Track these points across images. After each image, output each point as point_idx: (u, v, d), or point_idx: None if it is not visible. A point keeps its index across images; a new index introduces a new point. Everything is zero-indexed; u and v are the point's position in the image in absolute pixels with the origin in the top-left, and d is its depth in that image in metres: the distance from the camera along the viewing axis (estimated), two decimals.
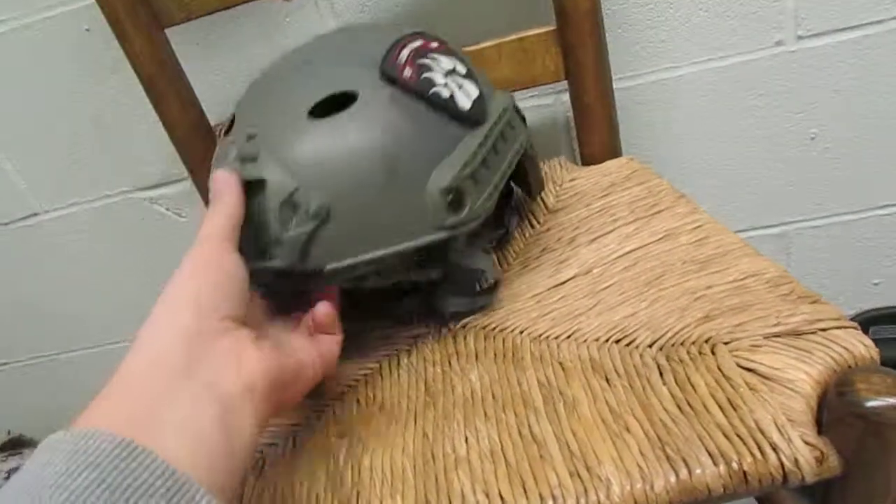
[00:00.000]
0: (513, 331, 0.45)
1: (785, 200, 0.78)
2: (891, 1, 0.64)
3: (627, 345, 0.41)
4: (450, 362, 0.44)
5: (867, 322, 0.89)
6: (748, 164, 0.76)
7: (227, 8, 0.58)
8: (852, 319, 0.92)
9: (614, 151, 0.63)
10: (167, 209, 0.83)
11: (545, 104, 0.72)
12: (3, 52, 0.72)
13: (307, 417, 0.44)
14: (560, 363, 0.41)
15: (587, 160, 0.63)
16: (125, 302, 0.92)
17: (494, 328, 0.46)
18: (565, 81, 0.60)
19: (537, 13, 0.59)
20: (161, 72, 0.58)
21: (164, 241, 0.86)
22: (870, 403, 0.32)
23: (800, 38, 0.67)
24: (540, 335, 0.44)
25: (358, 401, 0.43)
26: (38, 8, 0.69)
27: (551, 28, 0.58)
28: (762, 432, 0.32)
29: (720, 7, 0.65)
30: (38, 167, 0.81)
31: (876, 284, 0.86)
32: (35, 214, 0.86)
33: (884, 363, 0.98)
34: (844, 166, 0.75)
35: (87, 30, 0.70)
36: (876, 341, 0.97)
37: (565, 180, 0.60)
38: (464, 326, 0.47)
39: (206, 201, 0.65)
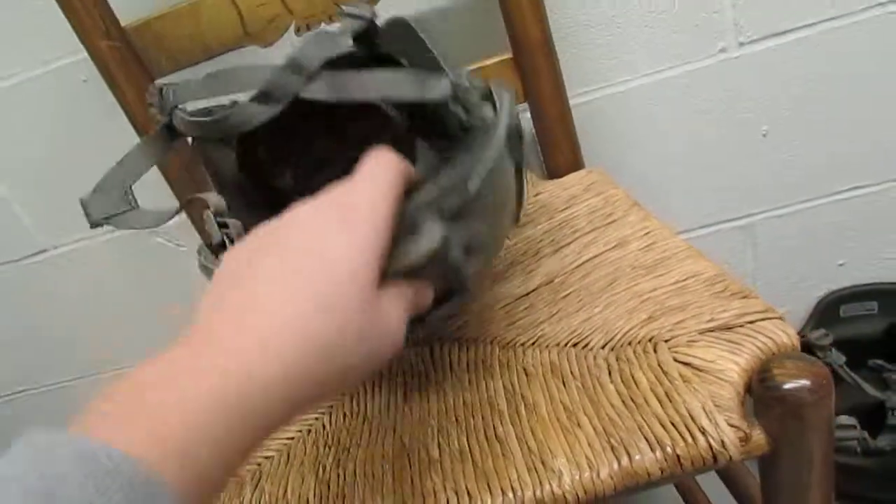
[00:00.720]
0: (484, 341, 0.50)
1: (746, 194, 0.83)
2: (819, 6, 0.69)
3: (583, 348, 0.46)
4: (426, 374, 0.49)
5: (837, 301, 0.94)
6: (707, 164, 0.80)
7: (212, 58, 0.63)
8: (822, 300, 0.97)
9: (577, 164, 0.68)
10: (168, 241, 0.88)
11: None
12: (10, 102, 0.78)
13: (299, 431, 0.49)
14: (524, 369, 0.46)
15: (552, 173, 0.68)
16: (133, 330, 0.98)
17: (467, 339, 0.51)
18: (525, 104, 0.65)
19: (494, 43, 0.64)
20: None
21: (165, 271, 0.91)
22: (786, 386, 0.37)
23: (741, 44, 0.72)
24: (507, 343, 0.49)
25: (344, 414, 0.48)
26: (40, 62, 0.75)
27: (508, 56, 0.63)
28: (693, 419, 0.37)
29: (664, 22, 0.70)
30: (45, 207, 0.87)
31: (841, 265, 0.91)
32: (44, 251, 0.91)
33: (854, 339, 1.03)
34: (798, 157, 0.80)
35: (85, 80, 0.75)
36: (848, 319, 1.01)
37: (531, 195, 0.65)
38: (440, 339, 0.52)
39: (200, 230, 0.70)
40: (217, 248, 0.39)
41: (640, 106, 0.76)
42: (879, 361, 0.92)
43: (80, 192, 0.83)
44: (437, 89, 0.36)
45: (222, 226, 0.39)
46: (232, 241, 0.39)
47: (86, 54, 0.72)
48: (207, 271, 0.40)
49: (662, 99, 0.75)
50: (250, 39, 0.62)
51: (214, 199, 0.40)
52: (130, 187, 0.42)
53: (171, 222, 0.85)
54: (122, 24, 0.61)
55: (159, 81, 0.45)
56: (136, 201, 0.41)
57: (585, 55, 0.72)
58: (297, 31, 0.62)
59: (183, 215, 0.81)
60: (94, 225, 0.41)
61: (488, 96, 0.41)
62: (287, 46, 0.72)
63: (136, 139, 0.65)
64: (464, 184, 0.34)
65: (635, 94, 0.75)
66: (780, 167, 0.81)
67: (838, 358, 0.87)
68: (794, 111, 0.76)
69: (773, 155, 0.80)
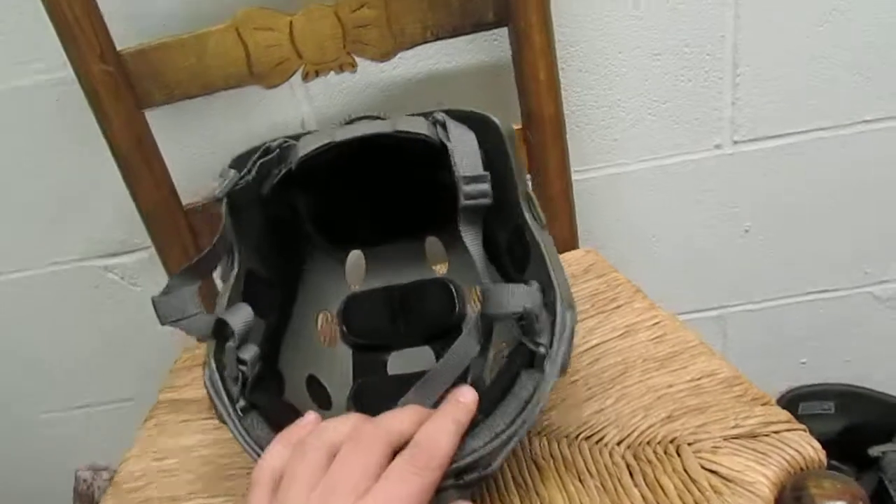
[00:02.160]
0: None
1: (722, 286, 0.84)
2: (811, 115, 0.72)
3: (597, 442, 0.43)
4: None
5: (797, 399, 0.95)
6: (690, 253, 0.81)
7: (209, 93, 0.59)
8: (783, 396, 0.98)
9: (573, 240, 0.67)
10: (122, 278, 0.82)
11: None
12: None
13: None
14: (534, 460, 0.43)
15: None
16: (70, 369, 0.89)
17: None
18: (528, 175, 0.64)
19: (507, 112, 0.63)
20: (137, 150, 0.59)
21: (115, 310, 0.84)
22: None
23: (735, 142, 0.74)
24: None
25: None
26: (7, 77, 0.69)
27: (517, 127, 0.62)
28: None
29: (666, 113, 0.72)
30: None
31: (803, 363, 0.92)
32: None
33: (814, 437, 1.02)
34: (775, 257, 0.82)
35: (58, 100, 0.70)
36: (805, 416, 1.03)
37: None
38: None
39: (172, 275, 0.65)
40: (230, 383, 0.38)
41: (634, 190, 0.76)
42: (834, 462, 0.93)
43: (33, 219, 0.77)
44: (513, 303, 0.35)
45: (241, 361, 0.37)
46: (246, 381, 0.37)
47: (62, 73, 0.68)
48: (216, 408, 0.38)
49: (656, 185, 0.76)
50: (254, 80, 0.59)
51: (239, 320, 0.38)
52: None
53: (129, 259, 0.80)
54: (118, 48, 0.56)
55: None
56: (199, 304, 0.40)
57: (586, 135, 0.73)
58: (305, 76, 0.60)
59: (146, 254, 0.76)
60: (164, 324, 0.40)
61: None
62: (289, 90, 0.70)
63: (107, 166, 0.60)
64: (487, 463, 0.34)
65: (630, 177, 0.75)
66: (757, 264, 0.82)
67: None
68: (777, 212, 0.79)
69: (752, 251, 0.81)
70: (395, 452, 0.32)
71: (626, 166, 0.75)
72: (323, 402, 0.49)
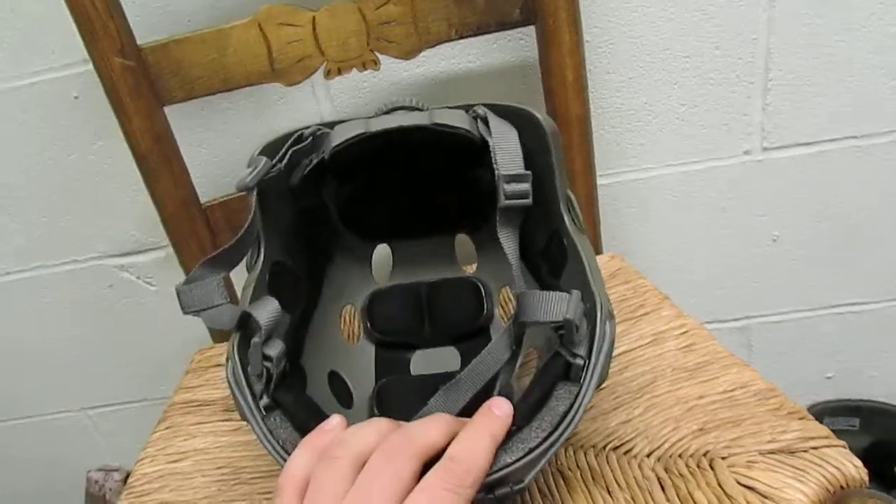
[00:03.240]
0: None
1: (747, 296, 0.82)
2: (843, 123, 0.70)
3: (625, 453, 0.41)
4: None
5: (822, 413, 0.92)
6: (715, 261, 0.79)
7: (230, 90, 0.58)
8: (808, 410, 0.96)
9: (596, 245, 0.66)
10: (137, 277, 0.81)
11: None
12: None
13: None
14: (559, 471, 0.41)
15: None
16: (82, 370, 0.88)
17: None
18: None
19: None
20: (156, 148, 0.58)
21: (130, 309, 0.83)
22: None
23: (765, 149, 0.72)
24: None
25: None
26: (27, 73, 0.68)
27: None
28: None
29: (694, 117, 0.70)
30: (4, 228, 0.79)
31: (829, 378, 0.90)
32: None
33: None
34: (803, 267, 0.80)
35: (76, 97, 0.69)
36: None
37: None
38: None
39: (188, 273, 0.64)
40: (254, 380, 0.36)
41: (660, 195, 0.74)
42: None
43: (49, 216, 0.77)
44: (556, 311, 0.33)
45: (266, 358, 0.36)
46: (270, 378, 0.36)
47: (81, 69, 0.67)
48: (238, 405, 0.36)
49: (683, 191, 0.74)
50: (275, 76, 0.58)
51: (266, 314, 0.36)
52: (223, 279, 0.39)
53: (145, 258, 0.79)
54: (139, 42, 0.56)
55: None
56: (226, 294, 0.38)
57: (614, 138, 0.71)
58: (328, 73, 0.59)
59: (163, 253, 0.75)
60: (186, 313, 0.38)
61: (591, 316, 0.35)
62: (310, 89, 0.69)
63: (124, 163, 0.59)
64: (518, 478, 0.33)
65: (657, 182, 0.73)
66: (784, 274, 0.80)
67: None
68: (806, 221, 0.76)
69: (780, 261, 0.79)
70: (426, 465, 0.31)
71: (652, 171, 0.73)
72: (344, 400, 0.48)
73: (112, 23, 0.54)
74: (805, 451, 0.38)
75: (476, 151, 0.40)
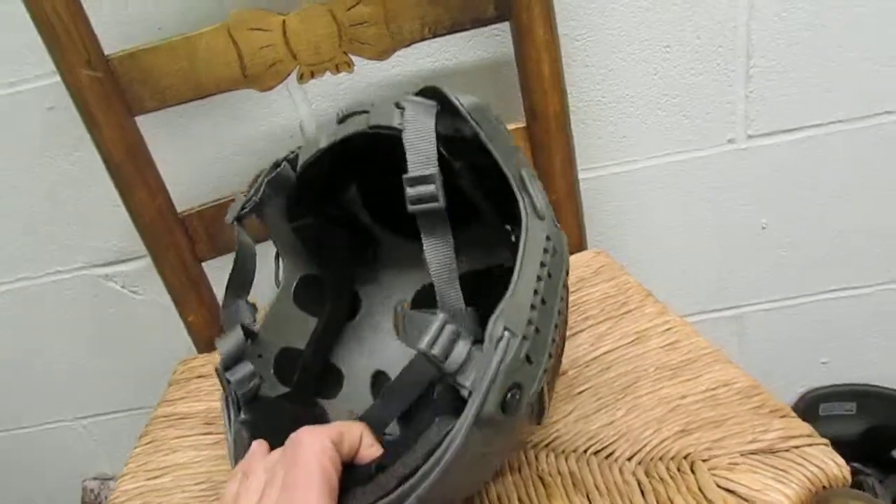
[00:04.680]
0: None
1: (738, 285, 0.82)
2: (828, 108, 0.69)
3: (607, 457, 0.41)
4: None
5: (817, 400, 0.92)
6: (704, 252, 0.79)
7: (202, 98, 0.58)
8: (803, 397, 0.96)
9: (580, 241, 0.65)
10: (122, 286, 0.81)
11: None
12: None
13: None
14: (540, 476, 0.41)
15: None
16: (74, 379, 0.88)
17: None
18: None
19: (510, 109, 0.61)
20: (129, 159, 0.57)
21: (117, 318, 0.83)
22: None
23: (750, 136, 0.71)
24: None
25: None
26: (3, 83, 0.68)
27: (521, 125, 0.60)
28: None
29: (677, 108, 0.69)
30: None
31: (824, 363, 0.89)
32: None
33: (832, 440, 1.01)
34: (793, 254, 0.79)
35: (51, 108, 0.69)
36: (826, 418, 1.00)
37: None
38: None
39: (169, 286, 0.63)
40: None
41: (645, 187, 0.73)
42: (857, 465, 0.90)
43: (31, 227, 0.76)
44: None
45: (228, 381, 0.39)
46: (238, 400, 0.39)
47: (55, 79, 0.66)
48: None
49: (667, 183, 0.73)
50: (248, 82, 0.57)
51: (226, 347, 0.40)
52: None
53: (129, 267, 0.79)
54: (107, 52, 0.55)
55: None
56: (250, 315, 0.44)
57: (594, 132, 0.70)
58: (301, 77, 0.58)
59: (146, 261, 0.74)
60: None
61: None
62: (287, 93, 0.68)
63: (104, 173, 0.58)
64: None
65: (641, 175, 0.73)
66: (774, 261, 0.80)
67: None
68: (794, 208, 0.76)
69: (770, 249, 0.79)
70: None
71: (636, 164, 0.72)
72: None
73: (78, 34, 0.53)
74: (787, 451, 0.38)
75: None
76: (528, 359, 0.31)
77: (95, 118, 0.55)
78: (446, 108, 0.36)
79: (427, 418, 0.31)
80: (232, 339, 0.40)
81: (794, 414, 0.41)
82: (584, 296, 0.56)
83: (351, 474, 0.32)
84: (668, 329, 0.50)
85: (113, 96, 0.55)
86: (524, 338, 0.31)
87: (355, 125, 0.40)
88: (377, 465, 0.31)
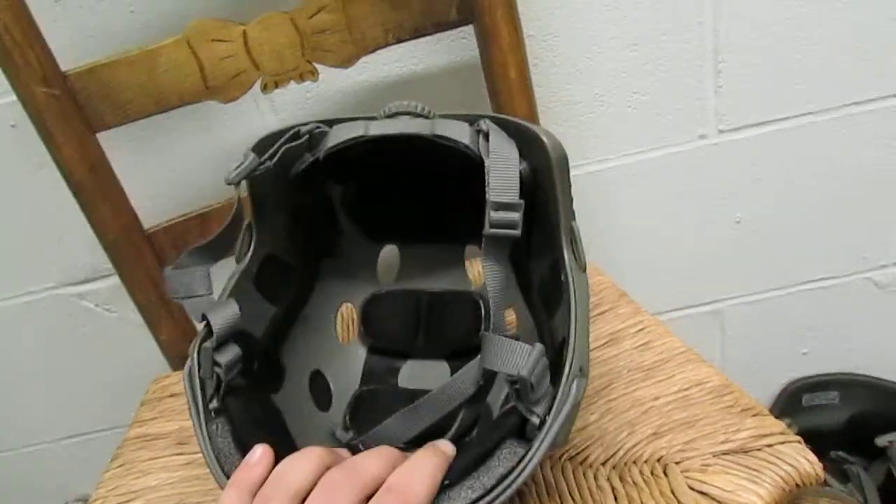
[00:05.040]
0: None
1: (717, 280, 0.82)
2: (797, 100, 0.69)
3: (581, 463, 0.40)
4: None
5: (800, 390, 0.92)
6: (680, 247, 0.78)
7: (165, 111, 0.57)
8: (786, 388, 0.96)
9: None
10: (96, 305, 0.79)
11: None
12: None
13: None
14: None
15: None
16: (53, 401, 0.87)
17: None
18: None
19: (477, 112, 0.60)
20: (91, 177, 0.56)
21: (93, 337, 0.81)
22: None
23: (721, 131, 0.71)
24: None
25: None
26: None
27: None
28: None
29: (647, 104, 0.69)
30: None
31: (805, 354, 0.90)
32: None
33: (816, 430, 1.01)
34: (769, 246, 0.79)
35: (13, 126, 0.67)
36: (809, 408, 1.00)
37: None
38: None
39: (139, 304, 0.62)
40: (207, 382, 0.36)
41: (618, 186, 0.73)
42: (841, 453, 0.90)
43: (3, 247, 0.75)
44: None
45: (216, 363, 0.36)
46: (220, 383, 0.36)
47: (13, 97, 0.65)
48: (189, 404, 0.35)
49: (641, 180, 0.73)
50: (210, 94, 0.57)
51: (221, 319, 0.36)
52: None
53: (101, 285, 0.78)
54: (63, 69, 0.54)
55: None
56: (209, 285, 0.39)
57: (565, 132, 0.70)
58: (264, 87, 0.57)
59: (118, 279, 0.73)
60: (171, 299, 0.38)
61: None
62: (253, 103, 0.67)
63: (68, 197, 0.57)
64: None
65: (614, 173, 0.72)
66: (751, 255, 0.80)
67: None
68: (768, 201, 0.76)
69: (745, 242, 0.79)
70: (368, 498, 0.30)
71: (609, 162, 0.72)
72: (322, 402, 0.47)
73: (32, 52, 0.52)
74: (759, 450, 0.38)
75: (479, 166, 0.38)
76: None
77: (54, 136, 0.54)
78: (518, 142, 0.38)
79: (493, 439, 0.32)
80: (226, 313, 0.36)
81: (766, 412, 0.40)
82: None
83: None
84: (641, 329, 0.50)
85: (72, 113, 0.54)
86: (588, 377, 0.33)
87: (413, 126, 0.39)
88: (448, 480, 0.31)
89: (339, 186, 0.49)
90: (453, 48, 0.65)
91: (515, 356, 0.31)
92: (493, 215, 0.35)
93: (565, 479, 0.40)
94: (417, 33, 0.57)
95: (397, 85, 0.67)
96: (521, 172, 0.36)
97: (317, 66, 0.57)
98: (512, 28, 0.56)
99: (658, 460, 0.39)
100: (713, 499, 0.35)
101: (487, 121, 0.39)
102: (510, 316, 0.48)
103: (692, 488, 0.36)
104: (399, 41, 0.57)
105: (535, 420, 0.31)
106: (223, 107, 0.67)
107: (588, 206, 0.74)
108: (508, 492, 0.30)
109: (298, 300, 0.48)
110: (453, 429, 0.39)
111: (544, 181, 0.37)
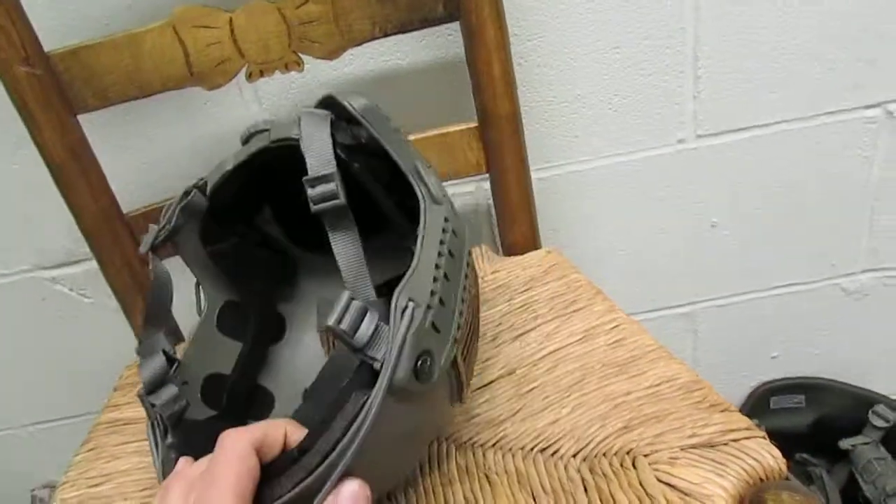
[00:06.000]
0: (438, 438, 0.44)
1: (691, 282, 0.83)
2: (774, 108, 0.71)
3: (552, 455, 0.41)
4: None
5: (768, 393, 0.94)
6: (656, 249, 0.80)
7: (148, 96, 0.56)
8: (755, 391, 0.98)
9: (534, 241, 0.65)
10: (71, 289, 0.79)
11: (467, 191, 0.74)
12: None
13: None
14: (486, 475, 0.41)
15: (508, 250, 0.65)
16: (21, 385, 0.86)
17: None
18: (487, 175, 0.62)
19: (463, 109, 0.61)
20: (71, 160, 0.56)
21: (67, 322, 0.80)
22: None
23: (699, 136, 0.72)
24: (465, 442, 0.44)
25: None
26: None
27: (473, 125, 0.60)
28: None
29: (628, 107, 0.70)
30: None
31: (774, 357, 0.92)
32: None
33: (782, 431, 1.03)
34: (743, 251, 0.81)
35: None
36: (776, 410, 1.02)
37: (487, 272, 0.61)
38: None
39: (115, 289, 0.62)
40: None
41: (597, 187, 0.74)
42: (805, 455, 0.92)
43: None
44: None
45: (152, 405, 0.38)
46: (164, 423, 0.38)
47: None
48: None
49: (620, 182, 0.74)
50: (194, 81, 0.57)
51: (147, 372, 0.38)
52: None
53: (77, 269, 0.77)
54: (47, 49, 0.53)
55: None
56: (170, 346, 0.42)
57: (547, 131, 0.71)
58: (249, 76, 0.57)
59: (95, 263, 0.72)
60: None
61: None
62: (237, 91, 0.67)
63: (48, 180, 0.57)
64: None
65: (593, 174, 0.73)
66: (725, 259, 0.81)
67: None
68: (743, 206, 0.77)
69: (720, 246, 0.80)
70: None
71: (589, 163, 0.73)
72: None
73: (14, 30, 0.51)
74: (725, 444, 0.38)
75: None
76: (434, 327, 0.33)
77: (35, 117, 0.54)
78: (341, 116, 0.39)
79: (344, 397, 0.31)
80: (153, 364, 0.39)
81: (733, 408, 0.41)
82: (535, 295, 0.57)
83: (275, 463, 0.31)
84: (615, 327, 0.51)
85: (53, 94, 0.54)
86: (429, 307, 0.33)
87: (259, 142, 0.41)
88: (300, 449, 0.30)
89: (266, 212, 0.51)
90: (439, 44, 0.66)
91: (332, 310, 0.31)
92: (312, 192, 0.36)
93: (537, 471, 0.40)
94: (404, 28, 0.57)
95: (382, 79, 0.67)
96: (348, 144, 0.38)
97: (302, 56, 0.58)
98: (497, 26, 0.57)
99: (628, 453, 0.39)
100: (680, 490, 0.36)
101: (308, 107, 0.41)
102: None
103: (660, 480, 0.37)
104: (386, 35, 0.57)
105: (377, 365, 0.30)
106: (207, 94, 0.67)
107: (567, 205, 0.76)
108: (355, 443, 0.29)
109: (264, 331, 0.50)
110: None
111: (370, 141, 0.39)
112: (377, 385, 0.30)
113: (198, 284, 0.47)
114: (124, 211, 0.59)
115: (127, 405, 0.55)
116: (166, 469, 0.36)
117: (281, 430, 0.32)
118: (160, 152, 0.69)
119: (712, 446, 0.39)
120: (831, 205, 0.78)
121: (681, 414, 0.41)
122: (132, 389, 0.57)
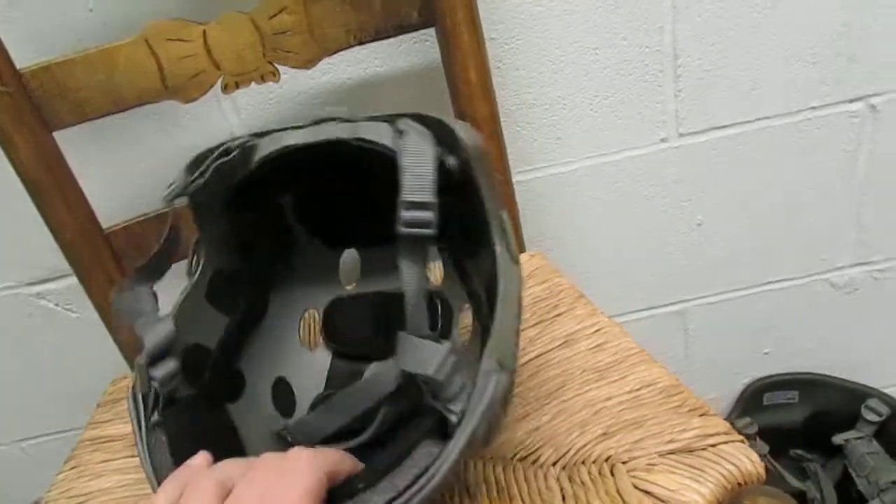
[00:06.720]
0: None
1: (680, 280, 0.83)
2: (755, 104, 0.71)
3: (532, 463, 0.41)
4: None
5: (761, 389, 0.94)
6: (643, 249, 0.80)
7: (123, 111, 0.56)
8: (748, 388, 0.97)
9: (519, 246, 0.65)
10: (56, 304, 0.78)
11: None
12: None
13: None
14: (466, 486, 0.41)
15: None
16: (12, 402, 0.85)
17: None
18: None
19: (440, 114, 0.60)
20: (48, 176, 0.55)
21: (54, 337, 0.80)
22: None
23: (681, 135, 0.72)
24: None
25: None
26: None
27: None
28: None
29: (608, 108, 0.70)
30: None
31: (766, 354, 0.91)
32: None
33: (776, 428, 1.03)
34: (730, 248, 0.80)
35: None
36: (770, 406, 1.02)
37: None
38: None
39: (98, 305, 0.62)
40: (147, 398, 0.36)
41: (581, 188, 0.74)
42: (800, 451, 0.92)
43: None
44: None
45: (152, 378, 0.36)
46: (157, 398, 0.36)
47: None
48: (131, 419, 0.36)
49: (603, 183, 0.74)
50: (170, 94, 0.56)
51: (154, 338, 0.36)
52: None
53: (62, 285, 0.77)
54: (18, 67, 0.53)
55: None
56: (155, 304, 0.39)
57: (528, 134, 0.70)
58: (225, 87, 0.57)
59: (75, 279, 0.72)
60: (122, 323, 0.40)
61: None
62: (215, 103, 0.67)
63: (25, 197, 0.57)
64: None
65: (576, 176, 0.73)
66: (713, 256, 0.81)
67: (762, 447, 0.86)
68: (728, 203, 0.77)
69: (707, 244, 0.80)
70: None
71: (572, 164, 0.73)
72: (286, 408, 0.47)
73: None
74: (703, 450, 0.38)
75: None
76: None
77: (9, 135, 0.53)
78: (442, 139, 0.37)
79: (410, 439, 0.32)
80: (161, 330, 0.37)
81: (713, 412, 0.41)
82: None
83: (335, 490, 0.31)
84: (597, 331, 0.50)
85: (27, 111, 0.54)
86: (512, 371, 0.33)
87: (336, 131, 0.39)
88: (364, 482, 0.31)
89: (288, 196, 0.50)
90: (415, 51, 0.66)
91: (425, 355, 0.31)
92: (405, 215, 0.34)
93: (516, 480, 0.40)
94: (379, 35, 0.57)
95: (360, 87, 0.67)
96: (449, 169, 0.36)
97: (279, 67, 0.57)
98: (472, 31, 0.56)
99: (606, 460, 0.39)
100: (657, 498, 0.36)
101: (407, 119, 0.38)
102: (467, 318, 0.48)
103: (637, 487, 0.37)
104: (361, 43, 0.57)
105: (454, 418, 0.31)
106: (185, 107, 0.66)
107: (551, 207, 0.75)
108: (423, 492, 0.30)
109: (254, 310, 0.49)
110: (372, 427, 0.39)
111: (469, 175, 0.37)
112: (454, 440, 0.30)
113: (197, 242, 0.44)
114: (104, 227, 0.59)
115: (109, 422, 0.55)
116: (155, 455, 0.35)
117: (348, 468, 0.32)
118: (140, 167, 0.69)
119: (690, 451, 0.38)
120: (818, 200, 0.77)
121: (660, 419, 0.41)
122: (115, 406, 0.57)
